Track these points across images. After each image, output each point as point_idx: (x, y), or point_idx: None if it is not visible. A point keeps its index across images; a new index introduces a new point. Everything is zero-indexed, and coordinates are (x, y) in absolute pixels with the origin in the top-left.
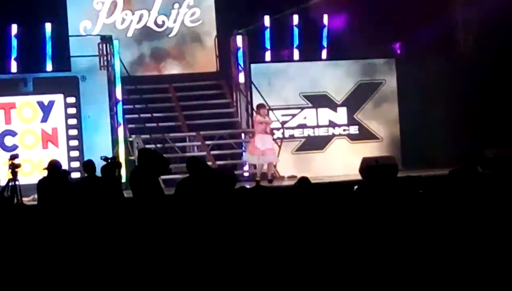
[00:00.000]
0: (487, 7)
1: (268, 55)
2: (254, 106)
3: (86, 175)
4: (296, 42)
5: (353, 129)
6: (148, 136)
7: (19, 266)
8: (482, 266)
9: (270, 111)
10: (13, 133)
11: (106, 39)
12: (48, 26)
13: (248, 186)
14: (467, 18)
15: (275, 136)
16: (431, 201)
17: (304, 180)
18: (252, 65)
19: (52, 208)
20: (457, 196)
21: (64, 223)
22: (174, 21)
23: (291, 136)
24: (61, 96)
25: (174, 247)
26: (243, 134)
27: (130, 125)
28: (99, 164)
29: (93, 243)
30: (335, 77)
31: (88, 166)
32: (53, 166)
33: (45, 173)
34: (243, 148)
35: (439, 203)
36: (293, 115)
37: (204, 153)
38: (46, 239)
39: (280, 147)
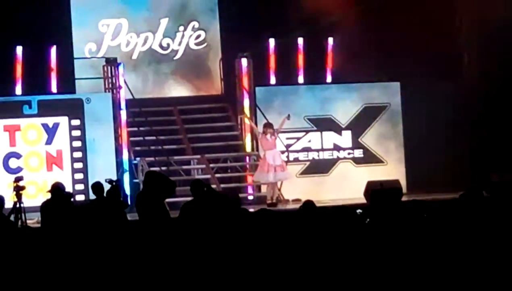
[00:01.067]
0: (490, 31)
1: (273, 78)
2: (260, 129)
3: (94, 196)
4: (301, 65)
5: (358, 153)
6: (152, 159)
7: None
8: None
9: (276, 133)
10: (17, 156)
11: (111, 62)
12: (53, 48)
13: (252, 210)
14: (471, 43)
15: None
16: (436, 225)
17: (309, 204)
18: (257, 88)
19: (56, 230)
20: (463, 220)
21: (69, 246)
22: (179, 44)
23: (296, 160)
24: (65, 118)
25: (178, 270)
26: (247, 158)
27: (134, 148)
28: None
29: (97, 267)
30: (340, 100)
31: (96, 187)
32: (57, 188)
33: (49, 195)
34: (248, 171)
35: (444, 227)
36: (298, 139)
37: (208, 176)
38: (51, 262)
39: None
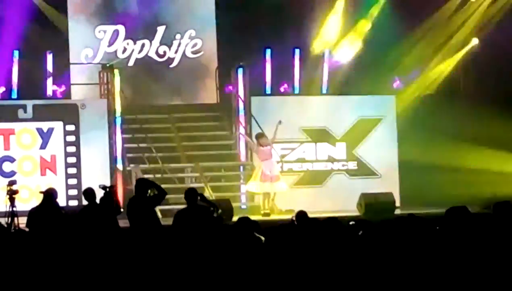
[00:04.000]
0: (487, 47)
1: (268, 88)
2: (253, 138)
3: (85, 202)
4: (296, 76)
5: (352, 165)
6: (147, 166)
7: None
8: None
9: (271, 144)
10: (11, 160)
11: (107, 68)
12: (49, 54)
13: None
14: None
15: None
16: (428, 239)
17: (301, 214)
18: (253, 98)
19: (44, 235)
20: (453, 234)
21: (60, 251)
22: (176, 52)
23: (290, 170)
24: (60, 123)
25: (170, 276)
26: (241, 167)
27: (129, 155)
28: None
29: (87, 272)
30: (335, 112)
31: (88, 193)
32: (48, 195)
33: (40, 199)
34: (242, 180)
35: (435, 241)
36: (292, 149)
37: (202, 184)
38: (42, 267)
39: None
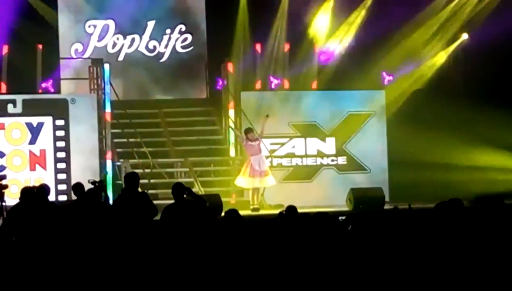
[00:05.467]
0: (475, 44)
1: (258, 84)
2: (243, 133)
3: (74, 197)
4: (286, 71)
5: (341, 160)
6: (136, 161)
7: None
8: None
9: (260, 138)
10: (1, 154)
11: (97, 63)
12: (39, 48)
13: None
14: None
15: None
16: (417, 233)
17: (291, 209)
18: (242, 93)
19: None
20: (442, 229)
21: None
22: (166, 47)
23: (279, 165)
24: (50, 118)
25: (159, 271)
26: (231, 162)
27: (118, 150)
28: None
29: (77, 268)
30: (324, 107)
31: (77, 188)
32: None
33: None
34: (231, 175)
35: (424, 235)
36: (282, 144)
37: (191, 179)
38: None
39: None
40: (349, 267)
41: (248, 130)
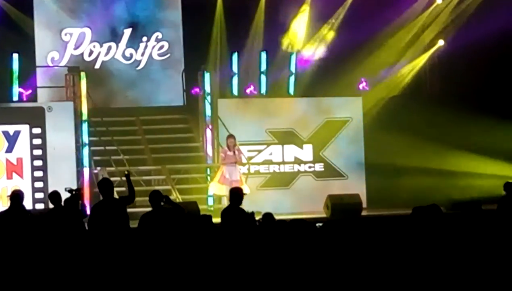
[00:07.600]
0: (451, 51)
1: (235, 91)
2: (220, 141)
3: (51, 205)
4: (263, 78)
5: (319, 167)
6: (113, 168)
7: None
8: None
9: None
10: None
11: (73, 71)
12: (15, 56)
13: None
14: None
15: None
16: (394, 240)
17: (267, 216)
18: (219, 100)
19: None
20: (419, 235)
21: (25, 254)
22: (142, 54)
23: (257, 172)
24: (26, 126)
25: (137, 280)
26: (208, 169)
27: (95, 158)
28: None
29: (54, 277)
30: (301, 114)
31: (54, 196)
32: (16, 195)
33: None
34: (208, 182)
35: (401, 241)
36: (259, 151)
37: (169, 187)
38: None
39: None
40: (326, 274)
41: (229, 136)
